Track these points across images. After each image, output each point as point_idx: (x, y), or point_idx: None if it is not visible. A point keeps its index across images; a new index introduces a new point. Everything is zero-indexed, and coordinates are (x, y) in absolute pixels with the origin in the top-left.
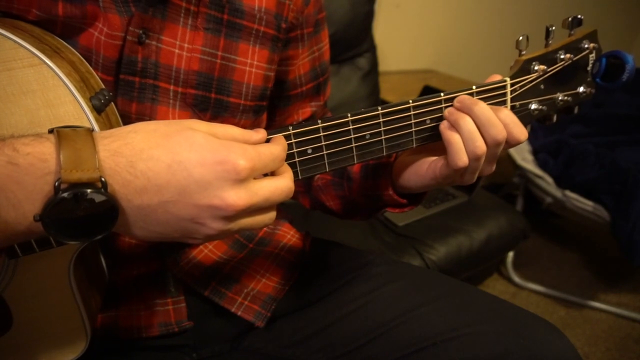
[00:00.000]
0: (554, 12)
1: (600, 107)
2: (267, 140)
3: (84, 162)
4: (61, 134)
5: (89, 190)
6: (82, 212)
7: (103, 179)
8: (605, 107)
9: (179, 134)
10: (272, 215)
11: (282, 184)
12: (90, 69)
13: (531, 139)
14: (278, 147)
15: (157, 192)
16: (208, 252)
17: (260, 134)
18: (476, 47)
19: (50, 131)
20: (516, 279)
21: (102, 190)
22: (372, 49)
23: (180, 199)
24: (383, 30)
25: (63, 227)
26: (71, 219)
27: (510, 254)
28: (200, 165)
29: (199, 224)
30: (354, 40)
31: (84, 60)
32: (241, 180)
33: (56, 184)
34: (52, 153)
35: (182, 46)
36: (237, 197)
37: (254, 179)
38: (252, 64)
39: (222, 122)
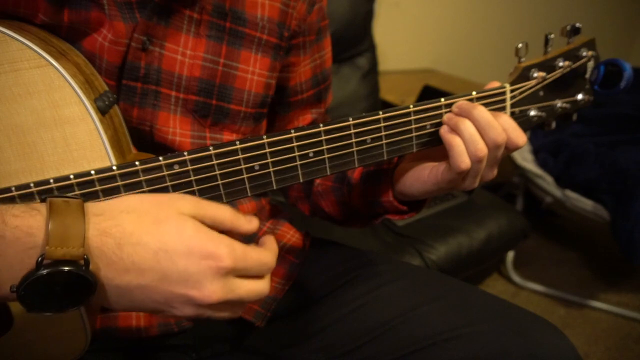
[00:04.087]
0: (553, 12)
1: (601, 107)
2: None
3: (71, 239)
4: (53, 206)
5: (67, 268)
6: (59, 288)
7: (86, 257)
8: (606, 107)
9: (170, 222)
10: (239, 311)
11: (260, 288)
12: (95, 71)
13: (531, 138)
14: (268, 254)
15: (138, 275)
16: None
17: (252, 224)
18: (476, 47)
19: (43, 200)
20: (516, 278)
21: (83, 268)
22: (371, 48)
23: (159, 285)
24: (383, 30)
25: (38, 300)
26: (47, 292)
27: (510, 254)
28: (186, 257)
29: (171, 307)
30: (354, 39)
31: (89, 63)
32: (221, 275)
33: (39, 259)
34: (41, 227)
35: (184, 53)
36: (212, 291)
37: (239, 277)
38: (253, 72)
39: (223, 128)
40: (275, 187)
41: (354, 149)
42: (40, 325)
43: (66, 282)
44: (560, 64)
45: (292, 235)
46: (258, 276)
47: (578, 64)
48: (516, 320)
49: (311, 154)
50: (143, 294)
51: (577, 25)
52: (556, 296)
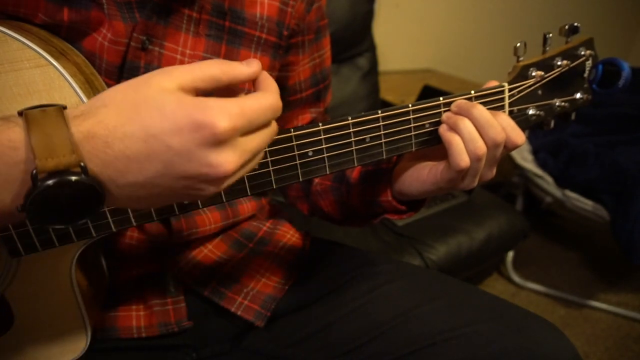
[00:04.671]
0: (553, 12)
1: (600, 107)
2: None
3: (58, 147)
4: (29, 117)
5: (67, 177)
6: (66, 199)
7: (82, 164)
8: (605, 107)
9: (148, 102)
10: (260, 157)
11: (270, 133)
12: (95, 71)
13: (531, 138)
14: (268, 96)
15: (140, 170)
16: (208, 252)
17: (251, 66)
18: (475, 47)
19: (20, 113)
20: (516, 278)
21: (83, 175)
22: (371, 48)
23: (167, 172)
24: (383, 30)
25: (47, 215)
26: (56, 205)
27: (510, 254)
28: (177, 134)
29: (195, 189)
30: (354, 39)
31: (89, 63)
32: (223, 142)
33: (33, 172)
34: (22, 140)
35: (184, 52)
36: (225, 160)
37: (246, 133)
38: None
39: None
40: (274, 187)
41: (353, 148)
42: (40, 324)
43: (71, 194)
44: (559, 63)
45: (292, 235)
46: (264, 124)
47: (576, 63)
48: (516, 320)
49: (310, 153)
50: (158, 186)
51: (576, 24)
52: (556, 296)
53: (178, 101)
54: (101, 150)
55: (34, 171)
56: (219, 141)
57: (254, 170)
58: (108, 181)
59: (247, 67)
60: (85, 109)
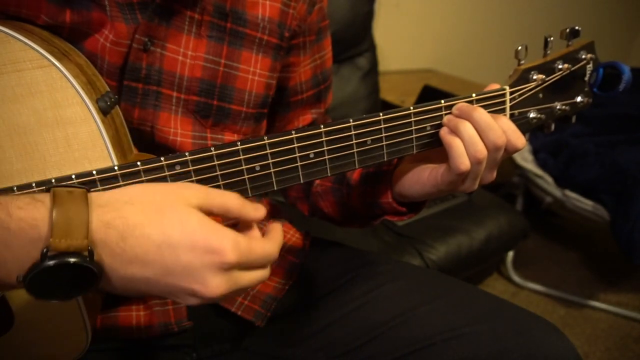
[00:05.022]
0: (552, 12)
1: (600, 107)
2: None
3: (75, 230)
4: (57, 197)
5: (72, 260)
6: (65, 277)
7: (90, 249)
8: (605, 107)
9: (174, 213)
10: (239, 295)
11: (261, 276)
12: (96, 72)
13: (531, 138)
14: (272, 245)
15: (142, 268)
16: None
17: (259, 212)
18: (476, 47)
19: (47, 189)
20: (516, 278)
21: (88, 259)
22: (371, 48)
23: (163, 278)
24: (383, 30)
25: (44, 289)
26: (53, 282)
27: (510, 254)
28: (190, 252)
29: (176, 297)
30: (354, 39)
31: (90, 64)
32: (225, 270)
33: (44, 250)
34: (45, 219)
35: (185, 53)
36: (215, 285)
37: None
38: (254, 72)
39: (224, 129)
40: (275, 188)
41: (355, 150)
42: (40, 324)
43: (71, 272)
44: (560, 66)
45: (292, 235)
46: (261, 266)
47: (577, 66)
48: (516, 320)
49: (312, 155)
50: (148, 285)
51: (577, 28)
52: (556, 296)
53: (200, 222)
54: (114, 242)
55: (45, 249)
56: (222, 268)
57: (255, 171)
58: (109, 270)
59: (255, 212)
60: (110, 199)
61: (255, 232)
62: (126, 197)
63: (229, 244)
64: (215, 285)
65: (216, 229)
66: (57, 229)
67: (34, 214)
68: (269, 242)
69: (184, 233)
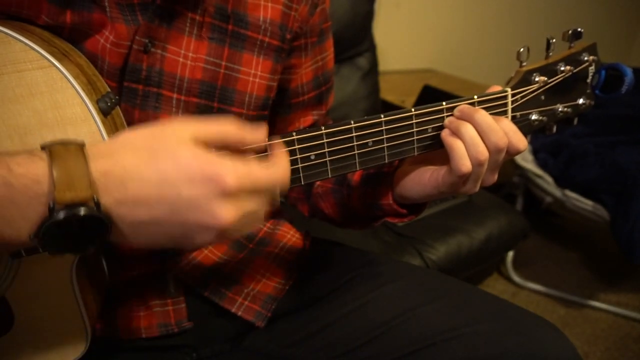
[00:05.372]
0: (552, 12)
1: (601, 108)
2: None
3: (77, 182)
4: (53, 152)
5: (82, 211)
6: (76, 230)
7: (96, 199)
8: (606, 108)
9: (166, 151)
10: (259, 222)
11: (271, 200)
12: (97, 72)
13: (531, 138)
14: (277, 168)
15: (148, 210)
16: (208, 253)
17: (258, 133)
18: (476, 47)
19: (43, 147)
20: (516, 278)
21: (95, 209)
22: (372, 48)
23: (171, 217)
24: (383, 30)
25: (57, 243)
26: (66, 235)
27: (510, 254)
28: (188, 184)
29: (191, 235)
30: (354, 39)
31: (91, 64)
32: (228, 196)
33: (50, 204)
34: (45, 174)
35: (186, 55)
36: (225, 212)
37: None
38: (255, 74)
39: None
40: None
41: (356, 151)
42: (40, 325)
43: (82, 224)
44: (562, 68)
45: (292, 235)
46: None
47: (579, 68)
48: (516, 320)
49: (312, 157)
50: (158, 227)
51: (579, 29)
52: (556, 296)
53: (193, 154)
54: (115, 189)
55: (52, 203)
56: (225, 195)
57: None
58: (117, 217)
59: (254, 134)
60: (104, 148)
61: (254, 161)
62: (118, 143)
63: (226, 169)
64: (224, 212)
65: (210, 157)
66: (60, 181)
67: (34, 170)
68: (271, 165)
69: (178, 168)
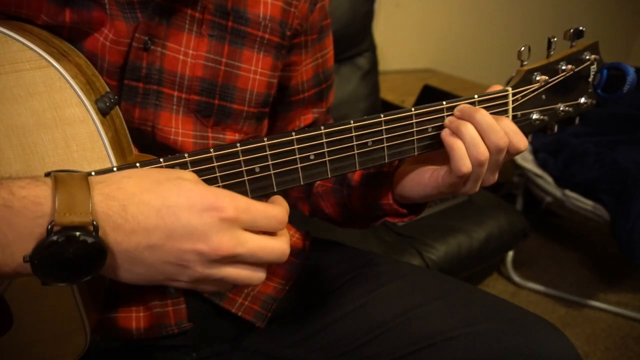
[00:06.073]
0: (553, 11)
1: (601, 107)
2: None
3: (78, 205)
4: (58, 178)
5: (78, 233)
6: (72, 254)
7: (95, 223)
8: (606, 107)
9: (170, 181)
10: (260, 275)
11: (274, 245)
12: (96, 72)
13: (531, 137)
14: (276, 207)
15: (145, 235)
16: None
17: (277, 208)
18: (476, 47)
19: (47, 174)
20: (516, 278)
21: (94, 233)
22: (371, 48)
23: (167, 243)
24: (383, 30)
25: (51, 268)
26: (60, 260)
27: (510, 254)
28: (188, 210)
29: (183, 266)
30: (354, 39)
31: (90, 64)
32: (226, 226)
33: (49, 226)
34: (48, 197)
35: (186, 52)
36: (219, 242)
37: (248, 230)
38: (255, 71)
39: (225, 128)
40: (276, 189)
41: (355, 151)
42: (39, 325)
43: (78, 250)
44: (563, 67)
45: (292, 235)
46: (270, 233)
47: (581, 67)
48: (516, 320)
49: (312, 156)
50: (153, 255)
51: (580, 28)
52: (556, 296)
53: (195, 185)
54: (115, 212)
55: (50, 225)
56: (222, 224)
57: (255, 173)
58: (113, 242)
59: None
60: (109, 176)
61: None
62: (124, 172)
63: (226, 200)
64: (217, 241)
65: (212, 188)
66: (61, 204)
67: (37, 192)
68: (271, 204)
69: (180, 194)
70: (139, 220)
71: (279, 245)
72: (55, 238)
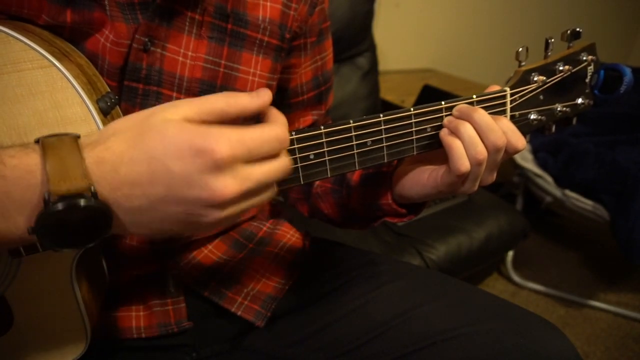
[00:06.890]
0: (552, 11)
1: (600, 107)
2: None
3: (71, 171)
4: (46, 144)
5: (82, 202)
6: (76, 222)
7: (92, 188)
8: (605, 107)
9: (152, 129)
10: (271, 193)
11: (277, 165)
12: (97, 72)
13: (531, 137)
14: (272, 127)
15: (144, 193)
16: (208, 253)
17: (260, 97)
18: (476, 47)
19: (37, 141)
20: (516, 278)
21: (93, 198)
22: (371, 48)
23: (168, 195)
24: (383, 30)
25: (58, 237)
26: (65, 229)
27: (510, 253)
28: (178, 159)
29: (195, 215)
30: (354, 39)
31: (91, 64)
32: (223, 168)
33: (45, 196)
34: (38, 164)
35: (186, 54)
36: (223, 186)
37: (249, 162)
38: (254, 73)
39: None
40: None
41: (355, 151)
42: (39, 325)
43: (81, 217)
44: (561, 68)
45: (292, 235)
46: (272, 155)
47: (578, 68)
48: (516, 320)
49: (312, 156)
50: (160, 210)
51: (578, 29)
52: (556, 296)
53: (180, 128)
54: (109, 175)
55: (47, 194)
56: (219, 167)
57: None
58: (115, 205)
59: (254, 99)
60: (96, 137)
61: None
62: (110, 130)
63: (215, 139)
64: (221, 186)
65: (197, 129)
66: (53, 172)
67: (28, 160)
68: (267, 124)
69: (165, 142)
70: (132, 180)
71: (281, 163)
72: (55, 208)
